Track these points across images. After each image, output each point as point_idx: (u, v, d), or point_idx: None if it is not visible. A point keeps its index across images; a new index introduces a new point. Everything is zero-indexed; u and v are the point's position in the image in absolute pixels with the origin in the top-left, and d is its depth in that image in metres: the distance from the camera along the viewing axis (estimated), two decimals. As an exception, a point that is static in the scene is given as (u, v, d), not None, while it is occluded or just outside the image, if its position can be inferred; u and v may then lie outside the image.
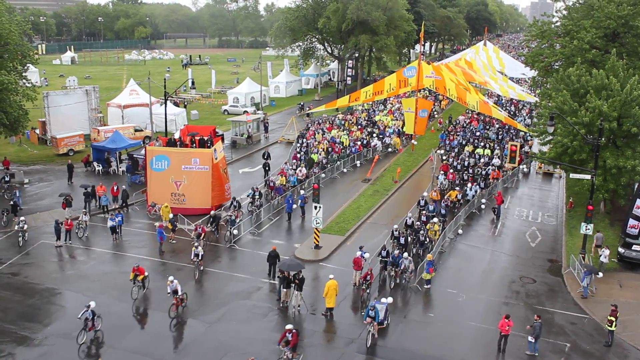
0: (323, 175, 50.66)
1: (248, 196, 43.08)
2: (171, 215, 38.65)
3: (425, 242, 35.69)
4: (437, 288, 31.91)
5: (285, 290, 29.66)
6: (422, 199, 42.34)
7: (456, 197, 44.10)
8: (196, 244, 33.94)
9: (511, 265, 35.77)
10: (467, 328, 28.24)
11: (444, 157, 55.17)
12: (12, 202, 40.53)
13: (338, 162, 54.11)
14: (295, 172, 48.73)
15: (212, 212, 38.55)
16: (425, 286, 31.77)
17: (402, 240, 35.44)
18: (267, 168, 51.07)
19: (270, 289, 31.78)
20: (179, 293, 28.69)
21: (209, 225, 37.89)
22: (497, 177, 49.60)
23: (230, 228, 37.76)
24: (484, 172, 50.17)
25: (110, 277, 32.81)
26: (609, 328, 26.94)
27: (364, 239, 37.77)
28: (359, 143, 58.72)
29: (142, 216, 42.26)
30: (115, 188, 43.49)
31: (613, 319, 26.69)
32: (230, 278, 32.91)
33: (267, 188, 46.05)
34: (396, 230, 36.24)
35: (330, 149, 56.12)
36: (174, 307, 28.51)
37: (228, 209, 41.16)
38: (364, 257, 32.09)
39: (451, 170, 50.01)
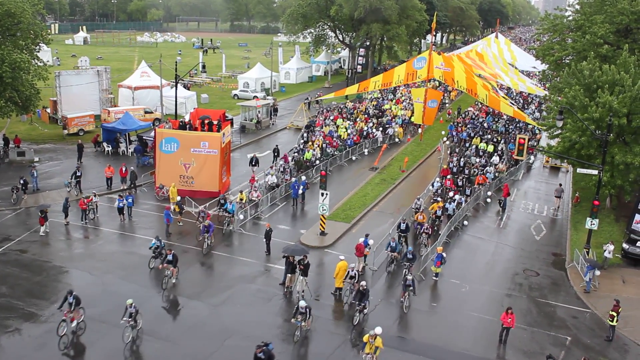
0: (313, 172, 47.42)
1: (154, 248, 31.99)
2: (179, 198, 38.90)
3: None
4: (440, 278, 32.12)
5: (290, 275, 29.93)
6: (403, 222, 35.69)
7: (435, 213, 38.74)
8: None
9: (515, 257, 35.93)
10: (470, 319, 28.45)
11: (451, 146, 55.05)
12: (22, 180, 40.78)
13: (334, 155, 52.62)
14: (254, 190, 41.56)
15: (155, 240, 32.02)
16: (434, 278, 31.96)
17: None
18: (276, 154, 51.06)
19: (267, 269, 32.41)
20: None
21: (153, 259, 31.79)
22: (483, 182, 45.77)
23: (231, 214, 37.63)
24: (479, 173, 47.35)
25: (116, 257, 33.19)
26: (611, 323, 27.12)
27: (370, 227, 37.94)
28: (356, 135, 57.71)
29: (151, 198, 42.55)
30: (123, 169, 43.78)
31: (615, 314, 26.86)
32: (236, 262, 33.21)
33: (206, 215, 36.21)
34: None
35: (325, 145, 53.99)
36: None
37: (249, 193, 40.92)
38: (367, 245, 32.27)
39: (449, 177, 45.78)
